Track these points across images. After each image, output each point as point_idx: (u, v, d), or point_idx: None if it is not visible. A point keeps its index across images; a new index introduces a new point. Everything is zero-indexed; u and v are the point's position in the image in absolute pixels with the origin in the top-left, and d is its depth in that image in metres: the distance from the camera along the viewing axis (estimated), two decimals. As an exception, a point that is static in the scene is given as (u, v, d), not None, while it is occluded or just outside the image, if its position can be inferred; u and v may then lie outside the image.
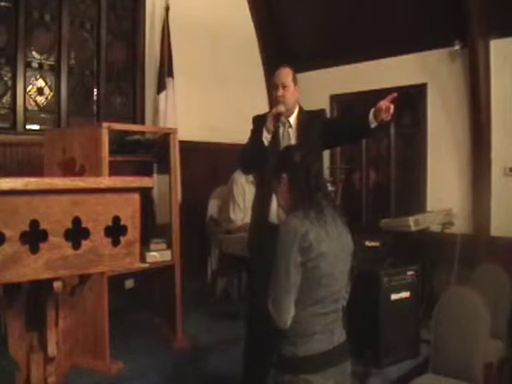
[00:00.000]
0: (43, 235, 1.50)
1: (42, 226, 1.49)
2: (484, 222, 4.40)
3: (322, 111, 2.91)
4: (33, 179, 1.47)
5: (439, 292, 3.41)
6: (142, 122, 4.80)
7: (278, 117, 2.63)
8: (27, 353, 1.73)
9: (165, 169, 3.79)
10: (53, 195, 1.51)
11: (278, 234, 1.81)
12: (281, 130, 2.73)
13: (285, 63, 2.82)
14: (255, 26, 5.85)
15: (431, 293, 4.00)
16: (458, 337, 2.54)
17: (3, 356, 1.74)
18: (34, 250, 1.48)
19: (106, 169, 3.10)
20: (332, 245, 1.81)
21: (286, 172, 1.92)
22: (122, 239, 1.66)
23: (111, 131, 3.23)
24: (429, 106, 4.84)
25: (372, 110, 2.48)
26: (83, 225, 1.57)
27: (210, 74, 5.28)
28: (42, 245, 1.50)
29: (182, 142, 3.86)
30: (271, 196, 2.45)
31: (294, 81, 2.74)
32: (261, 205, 2.71)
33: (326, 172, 4.67)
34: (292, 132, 2.74)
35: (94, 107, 4.62)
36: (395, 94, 2.44)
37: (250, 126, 2.84)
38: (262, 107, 4.52)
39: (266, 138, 2.61)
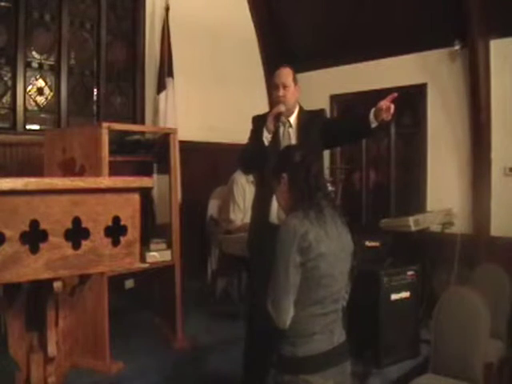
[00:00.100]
0: (43, 235, 1.50)
1: (42, 225, 1.49)
2: (484, 222, 4.40)
3: (322, 111, 2.91)
4: (33, 179, 1.47)
5: (439, 292, 3.41)
6: (142, 122, 4.80)
7: (278, 117, 2.63)
8: (27, 353, 1.73)
9: (165, 169, 3.79)
10: (53, 195, 1.51)
11: (277, 234, 1.81)
12: (281, 129, 2.73)
13: (285, 63, 2.82)
14: (255, 26, 5.85)
15: (431, 293, 4.00)
16: (457, 337, 2.54)
17: (3, 356, 1.75)
18: (34, 250, 1.48)
19: (106, 169, 3.10)
20: (332, 245, 1.81)
21: (286, 172, 1.92)
22: (122, 239, 1.66)
23: (111, 131, 3.22)
24: (429, 106, 4.84)
25: (372, 110, 2.48)
26: (83, 225, 1.57)
27: (210, 74, 5.28)
28: (42, 245, 1.50)
29: (182, 142, 3.86)
30: (272, 196, 2.45)
31: (295, 81, 2.74)
32: (261, 205, 2.71)
33: (326, 172, 4.66)
34: (292, 132, 2.74)
35: (94, 107, 4.62)
36: (395, 94, 2.44)
37: (250, 126, 2.84)
38: (262, 107, 4.52)
39: (267, 137, 2.61)
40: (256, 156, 2.65)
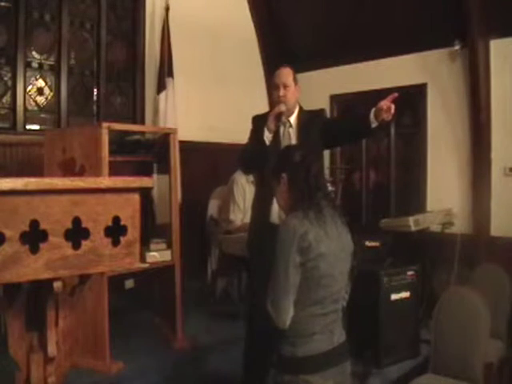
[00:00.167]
0: (43, 235, 1.50)
1: (42, 225, 1.49)
2: (484, 222, 4.40)
3: (322, 111, 2.91)
4: (33, 179, 1.47)
5: (439, 292, 3.41)
6: (142, 122, 4.80)
7: (279, 116, 2.63)
8: (27, 353, 1.73)
9: (165, 169, 3.79)
10: (53, 195, 1.51)
11: (277, 234, 1.81)
12: (281, 129, 2.73)
13: (285, 63, 2.82)
14: (255, 26, 5.85)
15: (431, 293, 4.00)
16: (457, 337, 2.54)
17: (3, 356, 1.75)
18: (34, 250, 1.48)
19: (106, 169, 3.10)
20: (331, 245, 1.81)
21: (285, 172, 1.92)
22: (122, 239, 1.66)
23: (111, 131, 3.22)
24: (429, 106, 4.84)
25: (373, 110, 2.48)
26: (83, 225, 1.57)
27: (210, 74, 5.28)
28: (42, 245, 1.50)
29: (182, 142, 3.86)
30: (272, 196, 2.45)
31: (295, 80, 2.74)
32: (261, 205, 2.71)
33: (326, 172, 4.66)
34: (293, 132, 2.74)
35: (94, 107, 4.62)
36: (396, 94, 2.44)
37: (250, 126, 2.84)
38: (262, 107, 4.52)
39: (268, 137, 2.60)
40: (256, 156, 2.64)
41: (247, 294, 3.85)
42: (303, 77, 4.13)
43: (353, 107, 5.40)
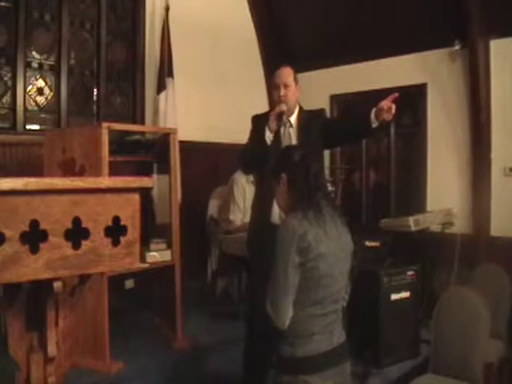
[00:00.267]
0: (43, 235, 1.50)
1: (42, 225, 1.50)
2: (484, 222, 4.40)
3: (322, 111, 2.91)
4: (33, 179, 1.47)
5: (439, 292, 3.40)
6: (142, 122, 4.80)
7: (280, 116, 2.63)
8: (27, 353, 1.73)
9: (165, 169, 3.79)
10: (53, 195, 1.51)
11: (277, 234, 1.81)
12: (282, 129, 2.73)
13: (285, 63, 2.82)
14: (255, 26, 5.85)
15: (431, 293, 4.00)
16: (457, 337, 2.54)
17: (3, 356, 1.75)
18: (34, 250, 1.49)
19: (106, 169, 3.10)
20: (331, 245, 1.81)
21: (285, 172, 1.91)
22: (122, 239, 1.66)
23: (111, 131, 3.22)
24: (429, 106, 4.84)
25: (373, 110, 2.48)
26: (83, 225, 1.57)
27: (210, 74, 5.28)
28: (42, 245, 1.50)
29: (181, 142, 3.86)
30: (272, 196, 2.45)
31: (295, 80, 2.74)
32: (261, 205, 2.71)
33: (326, 172, 4.66)
34: (293, 132, 2.74)
35: (94, 107, 4.62)
36: (396, 94, 2.43)
37: (250, 126, 2.83)
38: (262, 107, 4.52)
39: (269, 137, 2.60)
40: (256, 156, 2.64)
41: (247, 294, 3.85)
42: (303, 77, 4.11)
43: (353, 107, 5.40)
